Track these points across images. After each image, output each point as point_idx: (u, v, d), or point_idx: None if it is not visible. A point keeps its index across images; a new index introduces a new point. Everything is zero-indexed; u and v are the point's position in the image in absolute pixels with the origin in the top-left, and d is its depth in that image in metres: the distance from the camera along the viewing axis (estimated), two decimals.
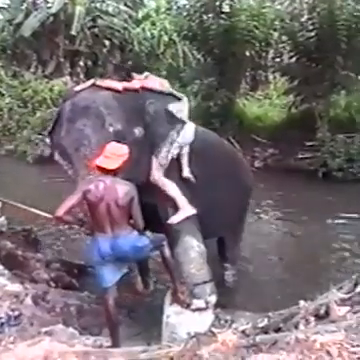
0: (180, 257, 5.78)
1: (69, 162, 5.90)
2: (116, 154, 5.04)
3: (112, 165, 5.00)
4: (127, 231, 5.04)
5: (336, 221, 10.50)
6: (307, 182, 13.04)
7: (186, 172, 6.19)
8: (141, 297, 6.86)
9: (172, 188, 5.88)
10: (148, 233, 5.30)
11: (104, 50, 21.74)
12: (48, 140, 6.72)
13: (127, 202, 4.99)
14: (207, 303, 5.69)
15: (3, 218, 8.20)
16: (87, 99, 5.77)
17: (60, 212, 4.89)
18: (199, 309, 5.63)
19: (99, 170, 5.04)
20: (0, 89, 19.36)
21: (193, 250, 5.83)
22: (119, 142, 5.35)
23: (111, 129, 5.59)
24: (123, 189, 5.00)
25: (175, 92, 6.15)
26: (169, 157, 5.85)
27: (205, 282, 5.77)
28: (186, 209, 5.89)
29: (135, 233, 5.09)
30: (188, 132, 6.16)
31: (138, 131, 5.80)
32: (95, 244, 5.03)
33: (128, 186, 5.06)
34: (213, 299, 5.75)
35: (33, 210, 6.12)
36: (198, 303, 5.63)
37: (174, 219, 5.84)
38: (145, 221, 5.21)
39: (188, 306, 5.61)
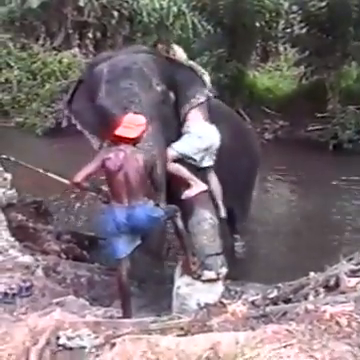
0: (193, 228, 5.77)
1: (91, 132, 5.93)
2: (135, 124, 5.07)
3: (131, 134, 5.02)
4: (143, 201, 5.06)
5: (346, 193, 10.47)
6: (317, 154, 12.93)
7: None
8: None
9: (183, 171, 5.88)
10: (161, 204, 5.32)
11: (113, 21, 21.44)
12: (66, 111, 6.71)
13: (146, 172, 5.03)
14: (218, 275, 5.70)
15: (13, 190, 8.22)
16: (126, 60, 5.79)
17: (78, 178, 4.92)
18: (210, 280, 5.66)
19: (118, 140, 5.07)
20: (9, 61, 19.17)
21: (206, 222, 5.81)
22: (164, 103, 5.60)
23: (159, 88, 5.68)
24: (142, 159, 5.02)
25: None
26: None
27: (217, 254, 5.77)
28: (199, 185, 5.91)
29: (151, 203, 5.11)
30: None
31: (172, 95, 5.93)
32: (111, 214, 5.06)
33: (147, 156, 5.10)
34: (224, 271, 5.76)
35: (51, 175, 6.11)
36: (209, 274, 5.64)
37: (188, 194, 5.85)
38: None
39: (199, 277, 5.63)
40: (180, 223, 5.46)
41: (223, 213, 6.22)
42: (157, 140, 5.59)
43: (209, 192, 6.08)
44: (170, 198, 5.63)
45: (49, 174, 6.14)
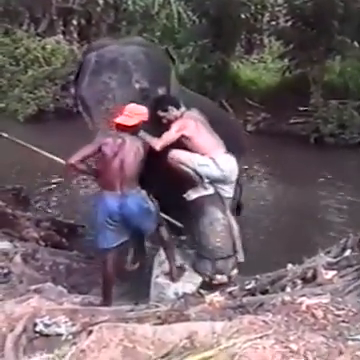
0: (205, 229, 5.66)
1: (88, 115, 5.89)
2: (135, 113, 5.12)
3: (130, 122, 5.05)
4: (136, 190, 5.05)
5: (326, 187, 10.54)
6: (299, 147, 13.00)
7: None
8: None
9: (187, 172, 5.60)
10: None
11: (98, 9, 21.31)
12: (72, 90, 6.72)
13: (138, 161, 5.05)
14: (230, 278, 5.68)
15: None
16: (114, 52, 5.70)
17: (73, 159, 4.94)
18: (222, 284, 5.59)
19: (118, 127, 5.09)
20: None
21: (219, 223, 5.68)
22: (145, 100, 5.42)
23: (137, 86, 5.54)
24: (139, 146, 5.06)
25: None
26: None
27: (229, 256, 5.72)
28: (204, 187, 5.68)
29: (143, 193, 5.09)
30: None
31: (161, 91, 5.74)
32: (103, 202, 5.03)
33: (144, 145, 5.15)
34: (234, 273, 5.74)
35: (45, 153, 6.01)
36: (221, 278, 5.63)
37: (191, 195, 5.69)
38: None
39: (210, 280, 5.62)
40: (165, 233, 5.45)
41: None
42: None
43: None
44: (177, 196, 5.61)
45: (44, 152, 6.04)
